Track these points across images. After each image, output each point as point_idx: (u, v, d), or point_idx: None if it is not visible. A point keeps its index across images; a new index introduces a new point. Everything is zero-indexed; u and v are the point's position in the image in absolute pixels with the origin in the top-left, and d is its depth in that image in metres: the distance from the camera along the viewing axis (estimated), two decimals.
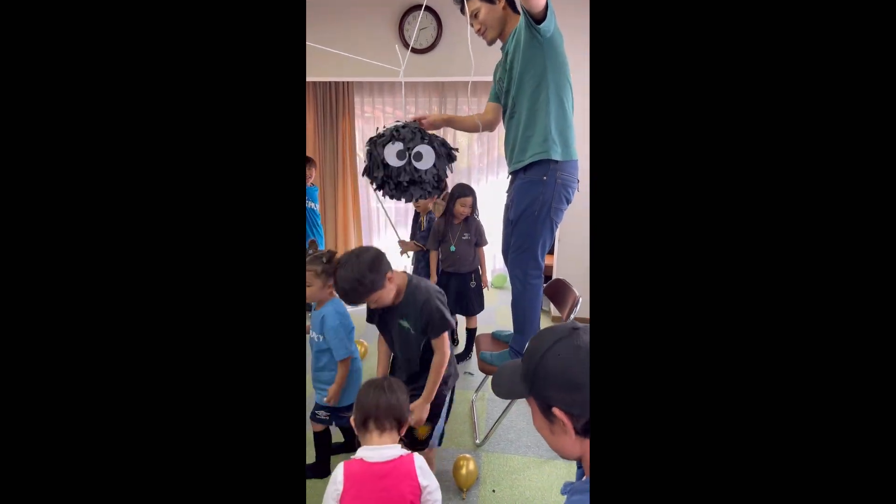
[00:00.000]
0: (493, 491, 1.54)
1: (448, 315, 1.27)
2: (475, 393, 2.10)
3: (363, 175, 1.58)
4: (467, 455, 1.59)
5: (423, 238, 2.39)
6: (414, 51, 2.93)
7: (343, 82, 3.70)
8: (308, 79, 3.59)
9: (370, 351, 2.52)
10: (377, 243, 4.25)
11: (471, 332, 2.41)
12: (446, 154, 1.48)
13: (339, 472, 1.02)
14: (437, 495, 1.09)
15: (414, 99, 3.88)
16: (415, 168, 1.42)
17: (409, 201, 1.52)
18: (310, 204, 3.06)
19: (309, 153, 3.74)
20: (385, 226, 4.23)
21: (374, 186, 1.47)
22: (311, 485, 1.53)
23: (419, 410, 1.27)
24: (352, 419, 1.10)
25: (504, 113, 1.58)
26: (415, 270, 2.49)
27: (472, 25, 1.53)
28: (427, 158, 1.44)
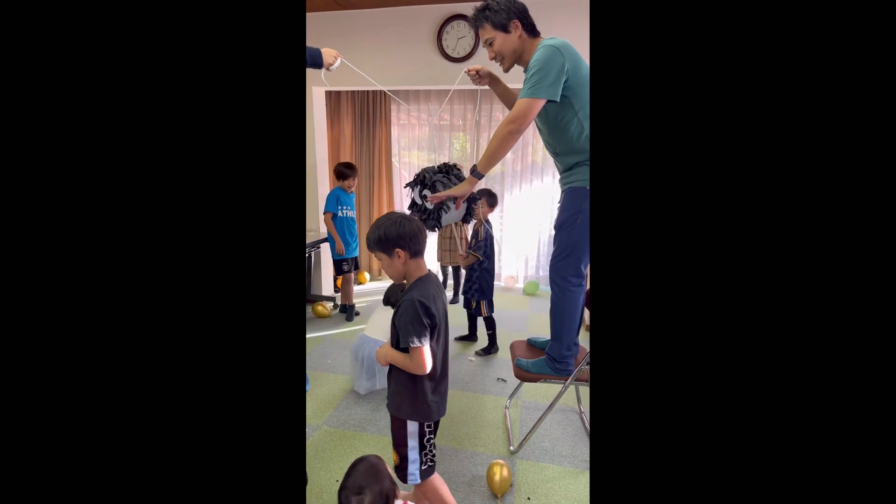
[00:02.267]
0: (529, 499, 1.52)
1: (418, 329, 1.12)
2: (508, 399, 2.09)
3: (415, 214, 1.74)
4: (501, 461, 1.58)
5: (479, 248, 2.43)
6: (452, 59, 2.98)
7: (380, 90, 3.79)
8: (347, 88, 3.70)
9: None
10: None
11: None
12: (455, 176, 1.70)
13: None
14: None
15: (450, 106, 3.94)
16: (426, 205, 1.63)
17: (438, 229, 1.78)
18: (347, 212, 3.14)
19: (347, 159, 3.85)
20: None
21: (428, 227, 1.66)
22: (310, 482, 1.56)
23: (383, 351, 1.20)
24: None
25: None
26: (467, 278, 2.56)
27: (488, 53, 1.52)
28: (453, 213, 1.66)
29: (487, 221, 2.53)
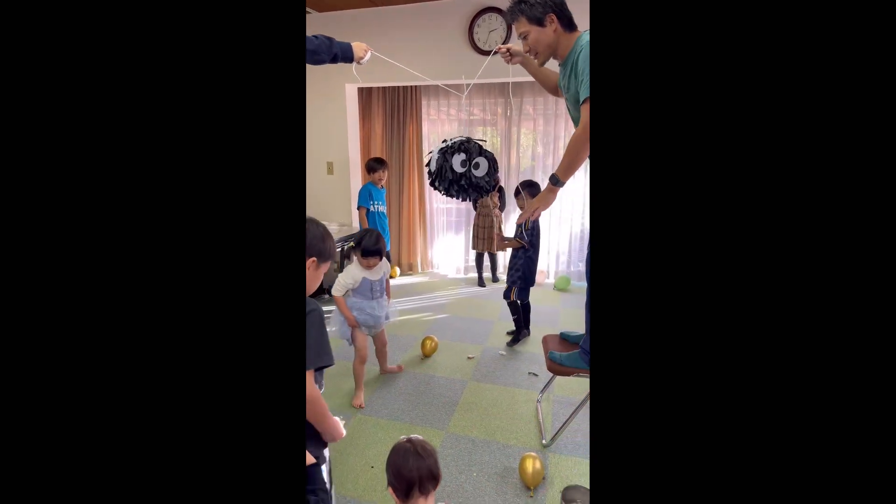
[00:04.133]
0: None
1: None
2: (540, 394, 2.08)
3: (429, 178, 1.81)
4: (533, 453, 1.58)
5: (527, 234, 2.46)
6: (483, 53, 2.97)
7: (411, 86, 3.82)
8: (378, 84, 3.75)
9: (440, 347, 2.59)
10: (439, 243, 4.33)
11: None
12: (495, 165, 1.83)
13: None
14: None
15: (481, 100, 3.92)
16: (474, 175, 1.76)
17: (465, 200, 1.93)
18: (379, 207, 3.19)
19: (378, 155, 3.90)
20: (446, 228, 4.30)
21: (442, 189, 1.78)
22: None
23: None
24: (390, 489, 1.05)
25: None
26: (512, 265, 2.60)
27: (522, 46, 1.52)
28: (482, 168, 1.76)
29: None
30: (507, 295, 2.60)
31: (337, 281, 2.02)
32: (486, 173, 1.76)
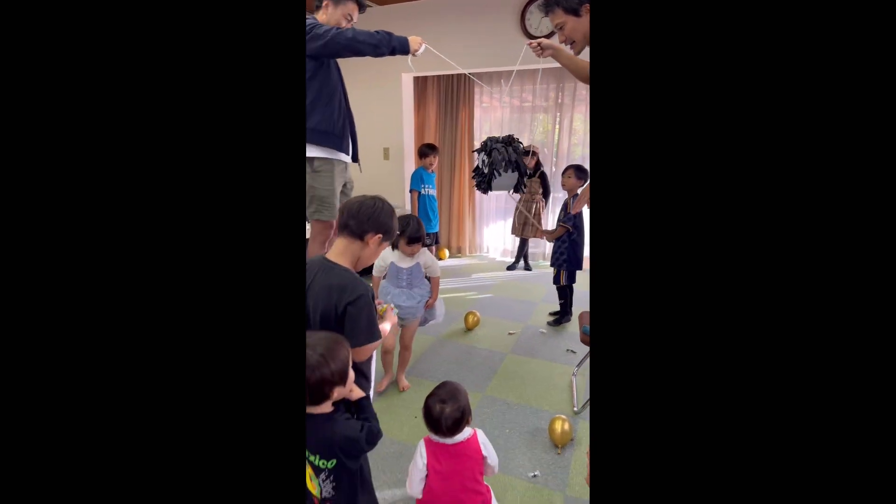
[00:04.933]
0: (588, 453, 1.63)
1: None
2: (576, 367, 2.17)
3: (474, 177, 2.01)
4: (562, 416, 1.70)
5: (569, 220, 2.57)
6: (534, 37, 3.03)
7: (464, 74, 3.94)
8: (432, 73, 3.90)
9: (483, 322, 2.75)
10: (488, 230, 4.46)
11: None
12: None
13: (422, 452, 1.25)
14: (494, 460, 1.29)
15: (532, 87, 3.96)
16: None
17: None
18: (429, 190, 3.38)
19: (431, 141, 4.08)
20: (496, 213, 4.41)
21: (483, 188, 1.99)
22: None
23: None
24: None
25: None
26: (556, 249, 2.69)
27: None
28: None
29: (576, 195, 2.59)
30: (556, 280, 2.68)
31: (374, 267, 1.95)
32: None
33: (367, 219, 1.08)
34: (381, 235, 1.10)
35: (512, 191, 1.97)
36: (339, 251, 1.11)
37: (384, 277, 2.00)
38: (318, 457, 0.90)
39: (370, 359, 1.17)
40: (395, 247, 1.89)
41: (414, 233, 1.83)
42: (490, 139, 1.95)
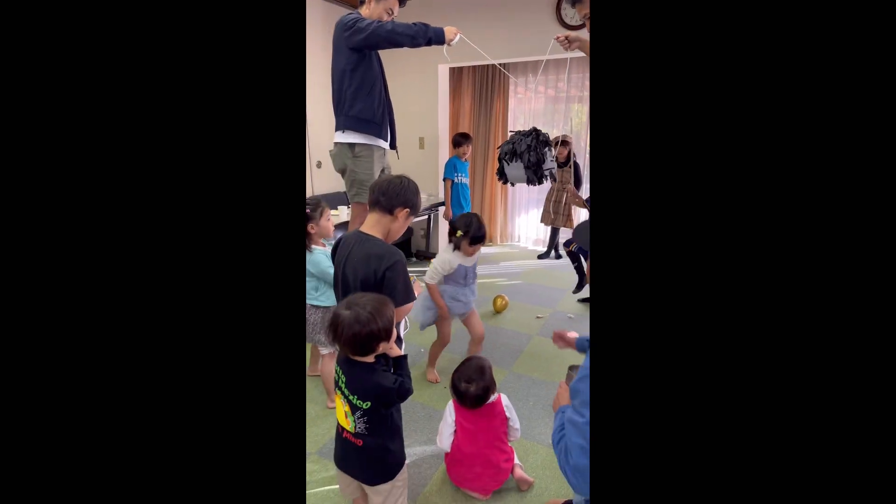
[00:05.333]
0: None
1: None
2: None
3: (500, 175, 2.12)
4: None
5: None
6: (570, 27, 3.04)
7: (500, 63, 3.99)
8: (467, 63, 3.97)
9: (511, 306, 2.84)
10: (519, 218, 4.51)
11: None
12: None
13: (450, 412, 1.40)
14: (517, 424, 1.43)
15: (566, 77, 3.96)
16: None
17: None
18: (462, 178, 3.47)
19: (466, 130, 4.17)
20: (528, 202, 4.45)
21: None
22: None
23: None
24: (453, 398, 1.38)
25: None
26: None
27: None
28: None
29: None
30: (567, 244, 2.82)
31: (431, 268, 1.86)
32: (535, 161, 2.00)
33: (395, 195, 1.20)
34: (408, 210, 1.23)
35: (527, 182, 2.07)
36: (372, 224, 1.23)
37: (444, 279, 1.89)
38: (355, 397, 1.03)
39: (400, 324, 1.30)
40: (456, 247, 1.84)
41: (477, 232, 1.79)
42: (517, 133, 2.07)
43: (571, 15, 3.04)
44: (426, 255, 3.92)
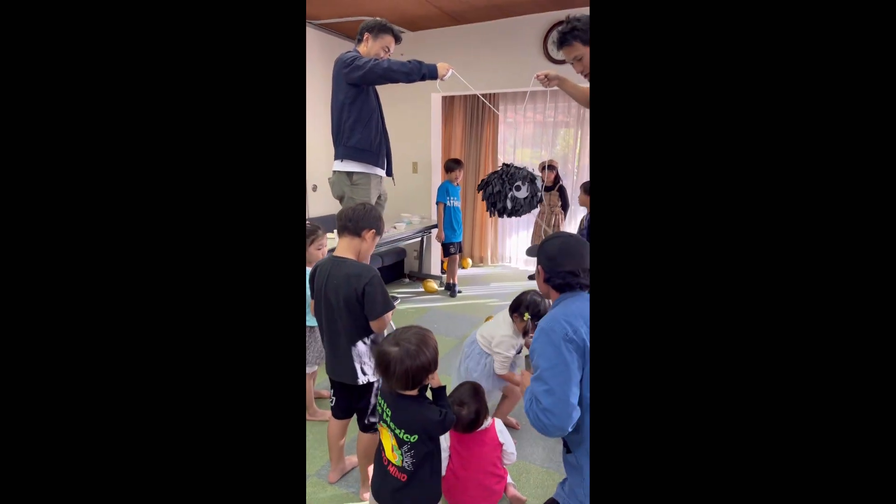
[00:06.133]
0: None
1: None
2: None
3: (485, 199, 2.17)
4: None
5: (582, 234, 2.76)
6: (555, 61, 3.21)
7: (490, 93, 4.15)
8: (457, 93, 4.13)
9: None
10: (510, 241, 4.62)
11: None
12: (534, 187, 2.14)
13: (445, 437, 1.37)
14: (511, 448, 1.45)
15: (554, 105, 4.14)
16: (517, 196, 2.11)
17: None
18: (454, 202, 3.58)
19: (457, 156, 4.30)
20: (518, 223, 4.57)
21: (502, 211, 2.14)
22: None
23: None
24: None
25: None
26: None
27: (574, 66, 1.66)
28: (524, 190, 2.09)
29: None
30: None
31: (500, 356, 1.64)
32: (529, 193, 2.05)
33: (360, 219, 1.35)
34: (374, 230, 1.37)
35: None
36: (344, 248, 1.37)
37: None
38: (402, 431, 1.03)
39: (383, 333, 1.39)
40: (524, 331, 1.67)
41: (545, 310, 1.59)
42: (494, 174, 2.16)
43: (556, 50, 3.21)
44: (419, 277, 3.98)
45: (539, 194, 2.10)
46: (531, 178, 2.08)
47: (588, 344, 0.97)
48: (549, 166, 3.43)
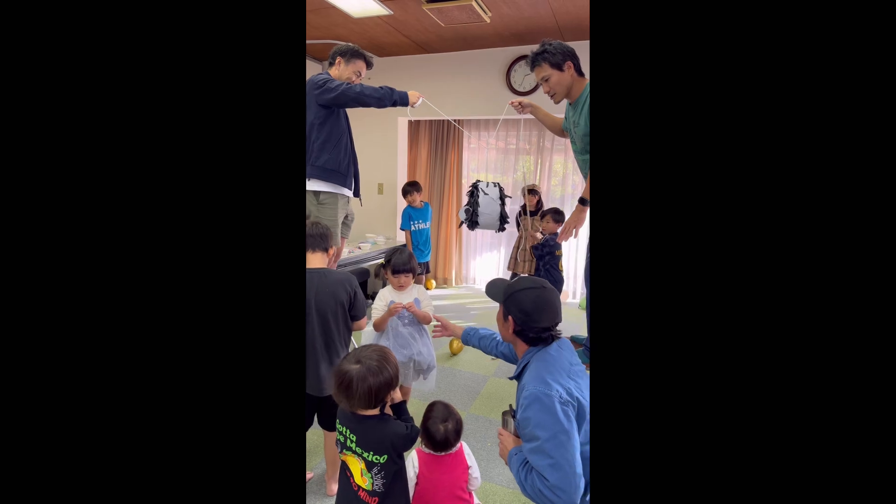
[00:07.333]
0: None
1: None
2: None
3: (463, 214, 2.35)
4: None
5: (537, 249, 3.07)
6: (518, 93, 3.38)
7: (455, 119, 4.28)
8: (425, 118, 4.24)
9: (466, 348, 2.91)
10: (475, 262, 4.70)
11: None
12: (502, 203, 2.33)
13: (414, 462, 1.37)
14: (477, 472, 1.45)
15: (516, 132, 4.32)
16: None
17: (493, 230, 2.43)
18: (420, 225, 3.61)
19: (421, 180, 4.36)
20: (482, 246, 4.66)
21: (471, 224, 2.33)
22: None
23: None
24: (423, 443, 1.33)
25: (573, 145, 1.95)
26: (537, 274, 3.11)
27: (542, 87, 1.82)
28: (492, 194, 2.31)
29: (554, 234, 2.93)
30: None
31: (372, 308, 1.85)
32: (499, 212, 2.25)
33: (321, 236, 1.54)
34: (333, 247, 1.60)
35: (497, 230, 2.32)
36: (317, 262, 1.52)
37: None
38: (371, 453, 1.01)
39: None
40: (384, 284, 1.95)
41: (400, 264, 1.80)
42: (477, 182, 2.31)
43: (520, 81, 3.39)
44: None
45: (505, 200, 2.27)
46: (497, 185, 2.29)
47: (584, 402, 0.93)
48: (531, 191, 3.49)
